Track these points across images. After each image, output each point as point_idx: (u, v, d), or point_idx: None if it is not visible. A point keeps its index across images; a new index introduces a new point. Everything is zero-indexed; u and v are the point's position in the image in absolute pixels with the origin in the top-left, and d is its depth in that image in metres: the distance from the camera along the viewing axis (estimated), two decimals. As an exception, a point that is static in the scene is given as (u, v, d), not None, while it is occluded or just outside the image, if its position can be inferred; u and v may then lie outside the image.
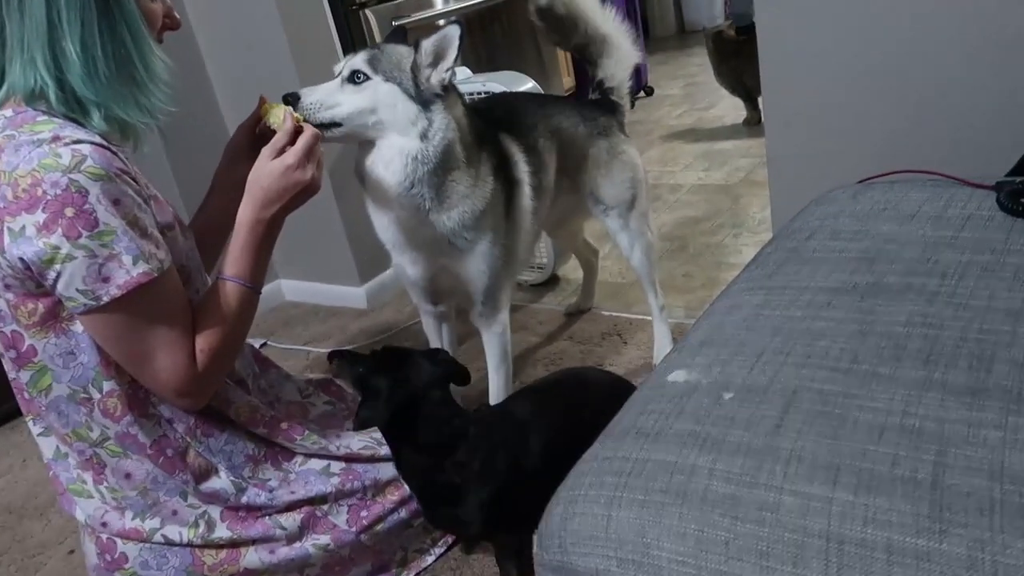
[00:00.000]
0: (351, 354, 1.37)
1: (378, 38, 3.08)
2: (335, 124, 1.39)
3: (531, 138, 1.73)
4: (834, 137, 1.73)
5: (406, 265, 1.58)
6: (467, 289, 1.58)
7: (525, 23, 3.85)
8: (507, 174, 1.59)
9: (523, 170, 1.65)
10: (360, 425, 1.28)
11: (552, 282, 2.64)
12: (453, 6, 3.41)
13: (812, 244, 1.25)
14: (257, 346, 2.57)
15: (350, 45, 2.84)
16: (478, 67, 3.28)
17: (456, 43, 1.37)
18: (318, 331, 2.64)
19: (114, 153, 1.12)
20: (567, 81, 4.33)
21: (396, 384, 1.28)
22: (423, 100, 1.40)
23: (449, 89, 1.43)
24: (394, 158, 1.41)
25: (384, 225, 1.52)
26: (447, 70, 1.40)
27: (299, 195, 1.23)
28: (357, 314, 2.73)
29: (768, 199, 1.92)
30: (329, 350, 1.46)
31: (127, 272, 1.09)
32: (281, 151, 1.23)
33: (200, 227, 1.40)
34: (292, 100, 1.37)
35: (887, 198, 1.29)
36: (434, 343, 1.79)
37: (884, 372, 0.92)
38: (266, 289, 2.89)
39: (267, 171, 1.21)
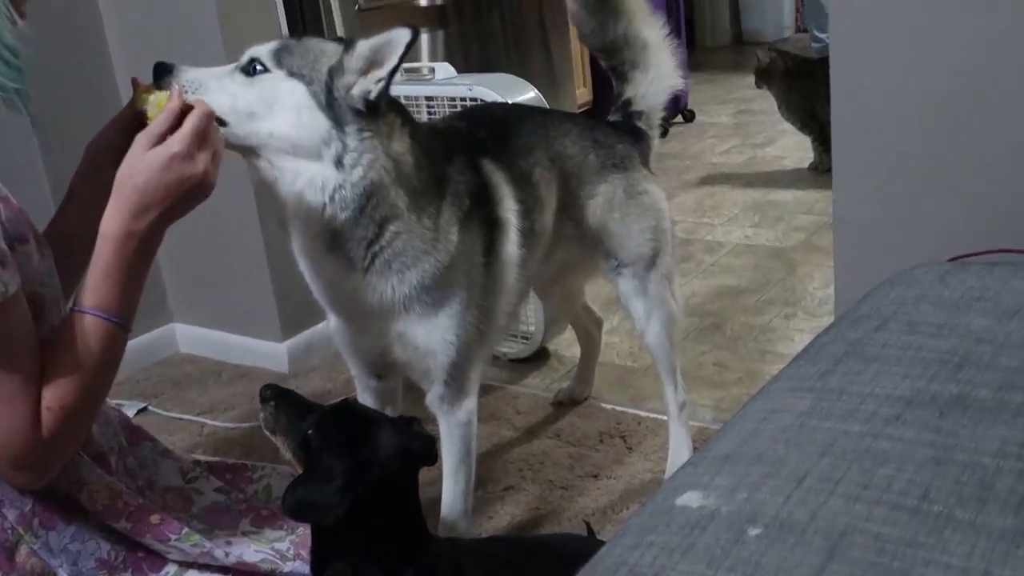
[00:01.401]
0: (296, 397, 1.35)
1: (339, 26, 3.14)
2: (220, 122, 1.35)
3: (524, 166, 1.75)
4: (921, 198, 1.75)
5: (344, 329, 1.59)
6: (425, 364, 1.58)
7: (533, 14, 3.94)
8: (488, 212, 1.61)
9: (510, 208, 1.65)
10: (293, 509, 1.25)
11: (539, 358, 2.65)
12: (440, -14, 3.50)
13: (882, 337, 1.25)
14: (133, 412, 2.59)
15: (300, 31, 2.90)
16: (467, 66, 3.34)
17: (400, 51, 1.37)
18: (219, 397, 2.64)
19: None
20: (582, 94, 4.41)
21: (361, 462, 1.25)
22: (336, 114, 1.38)
23: (382, 110, 1.41)
24: (304, 195, 1.40)
25: (313, 283, 1.54)
26: (379, 81, 1.38)
27: (187, 195, 1.21)
28: (274, 379, 2.66)
29: (832, 272, 1.94)
30: (259, 393, 1.43)
31: None
32: (162, 138, 1.21)
33: (53, 243, 1.40)
34: (161, 72, 1.36)
35: (983, 284, 1.30)
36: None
37: (963, 517, 0.91)
38: (155, 336, 2.93)
39: (143, 164, 1.19)
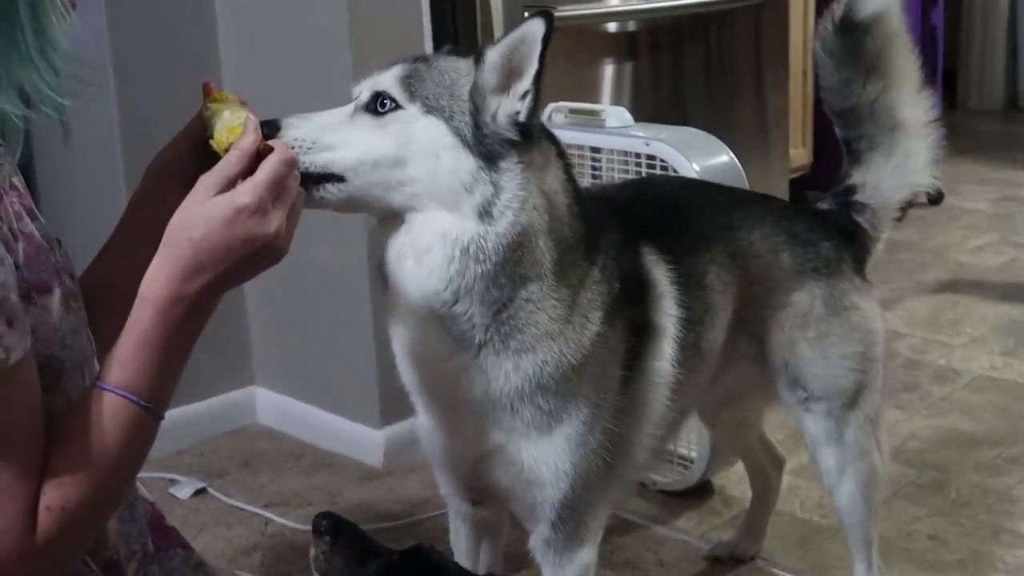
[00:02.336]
0: (358, 535, 1.33)
1: (500, 29, 3.14)
2: (334, 177, 1.39)
3: (696, 263, 1.71)
4: None
5: (435, 432, 1.58)
6: (530, 495, 1.55)
7: (747, 50, 3.87)
8: (639, 314, 1.58)
9: (669, 313, 1.64)
10: None
11: (699, 494, 2.58)
12: (637, 4, 3.46)
13: None
14: (189, 492, 2.63)
15: (450, 38, 2.91)
16: (654, 110, 3.30)
17: (538, 48, 1.37)
18: (294, 488, 2.66)
19: None
20: (798, 155, 4.31)
21: None
22: (487, 151, 1.40)
23: (535, 133, 1.44)
24: (432, 247, 1.41)
25: (407, 360, 1.52)
26: (524, 96, 1.40)
27: (251, 259, 1.22)
28: (364, 474, 2.73)
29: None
30: (312, 522, 1.42)
31: None
32: (231, 184, 1.22)
33: (93, 284, 1.39)
34: (268, 129, 1.38)
35: None
36: (463, 561, 1.75)
37: None
38: (231, 400, 2.98)
39: (203, 215, 1.20)
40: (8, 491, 1.13)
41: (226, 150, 1.25)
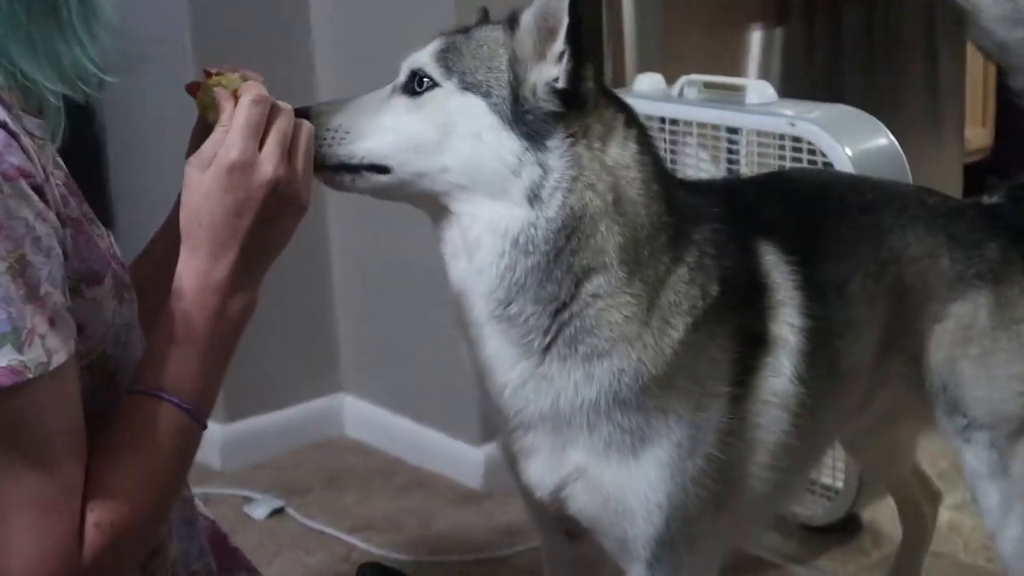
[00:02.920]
0: None
1: (629, 21, 3.12)
2: (377, 168, 1.43)
3: (836, 268, 1.69)
4: None
5: (512, 452, 1.58)
6: (619, 529, 1.54)
7: (916, 13, 3.78)
8: (749, 321, 1.56)
9: (790, 322, 1.60)
10: None
11: (846, 529, 2.56)
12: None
13: None
14: (265, 512, 2.66)
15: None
16: (806, 84, 3.25)
17: (566, 2, 1.37)
18: (384, 511, 2.68)
19: (11, 135, 1.16)
20: (976, 136, 4.21)
21: None
22: (530, 129, 1.41)
23: (588, 100, 1.44)
24: (482, 241, 1.43)
25: (473, 370, 1.54)
26: (560, 57, 1.40)
27: (266, 215, 1.25)
28: (461, 497, 2.74)
29: None
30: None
31: None
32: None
33: (136, 283, 1.42)
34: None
35: None
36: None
37: None
38: (317, 409, 3.02)
39: (200, 194, 1.24)
40: (53, 508, 1.16)
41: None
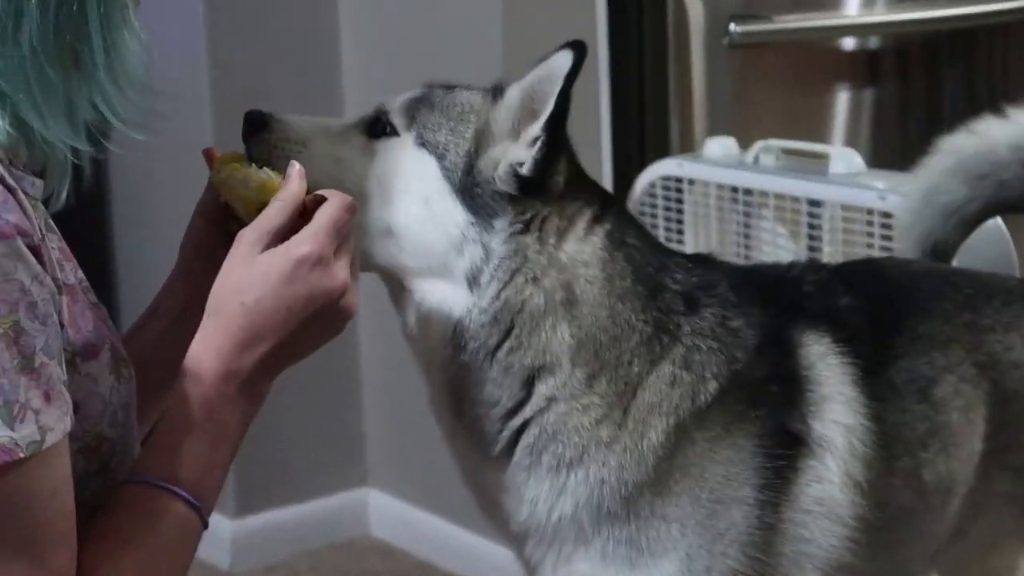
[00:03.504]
0: None
1: (698, 70, 3.14)
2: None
3: (916, 364, 1.66)
4: None
5: (519, 562, 1.58)
6: None
7: (1023, 74, 3.76)
8: (781, 417, 1.54)
9: (839, 420, 1.56)
10: None
11: None
12: (883, 15, 3.41)
13: None
14: None
15: (634, 50, 2.95)
16: (892, 156, 3.19)
17: (558, 87, 1.39)
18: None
19: (8, 189, 1.16)
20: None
21: None
22: (477, 203, 1.42)
23: (551, 189, 1.44)
24: (430, 321, 1.45)
25: (455, 461, 1.57)
26: (533, 142, 1.41)
27: (317, 320, 1.26)
28: None
29: None
30: None
31: None
32: (278, 237, 1.26)
33: (147, 346, 1.45)
34: (253, 126, 1.44)
35: None
36: None
37: None
38: (338, 504, 3.02)
39: (255, 273, 1.25)
40: None
41: (259, 208, 1.30)
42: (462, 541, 2.87)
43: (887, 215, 2.26)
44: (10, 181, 1.16)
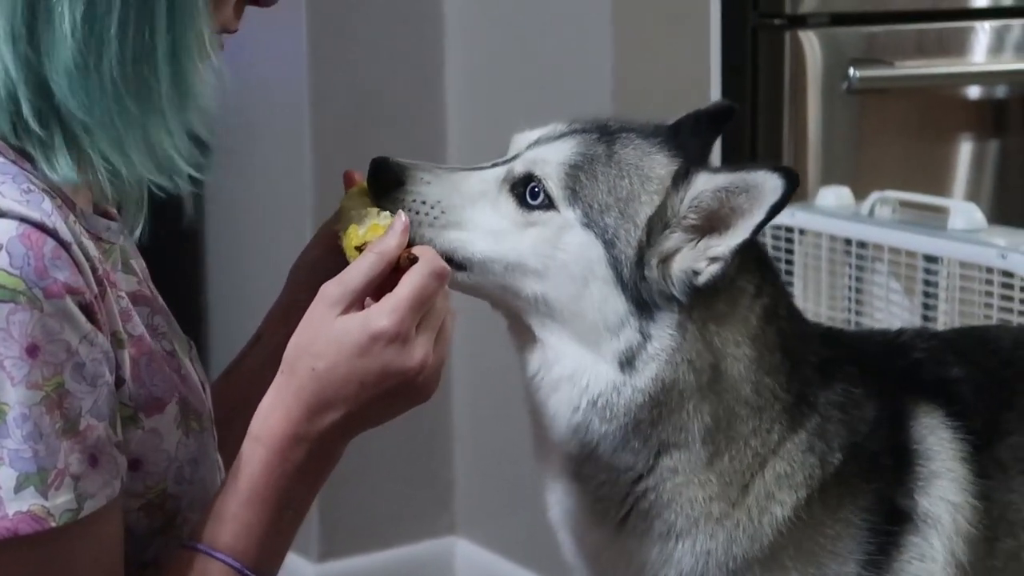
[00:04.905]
0: None
1: (814, 112, 3.12)
2: (455, 262, 1.39)
3: (1019, 442, 1.61)
4: None
5: None
6: None
7: None
8: (888, 492, 1.53)
9: (946, 498, 1.54)
10: None
11: None
12: (1012, 63, 3.36)
13: None
14: None
15: (747, 90, 2.94)
16: (1019, 213, 3.17)
17: (763, 212, 1.36)
18: None
19: (62, 245, 1.15)
20: None
21: None
22: (643, 296, 1.40)
23: (722, 285, 1.41)
24: (560, 385, 1.43)
25: (554, 514, 1.55)
26: (713, 261, 1.38)
27: (390, 397, 1.26)
28: None
29: None
30: None
31: None
32: (360, 297, 1.26)
33: (217, 409, 1.44)
34: (383, 178, 1.40)
35: None
36: None
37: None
38: (423, 552, 3.02)
39: (330, 339, 1.24)
40: None
41: (360, 250, 1.29)
42: (551, 594, 2.85)
43: (1008, 274, 2.23)
44: (64, 236, 1.16)
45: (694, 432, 1.42)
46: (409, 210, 1.38)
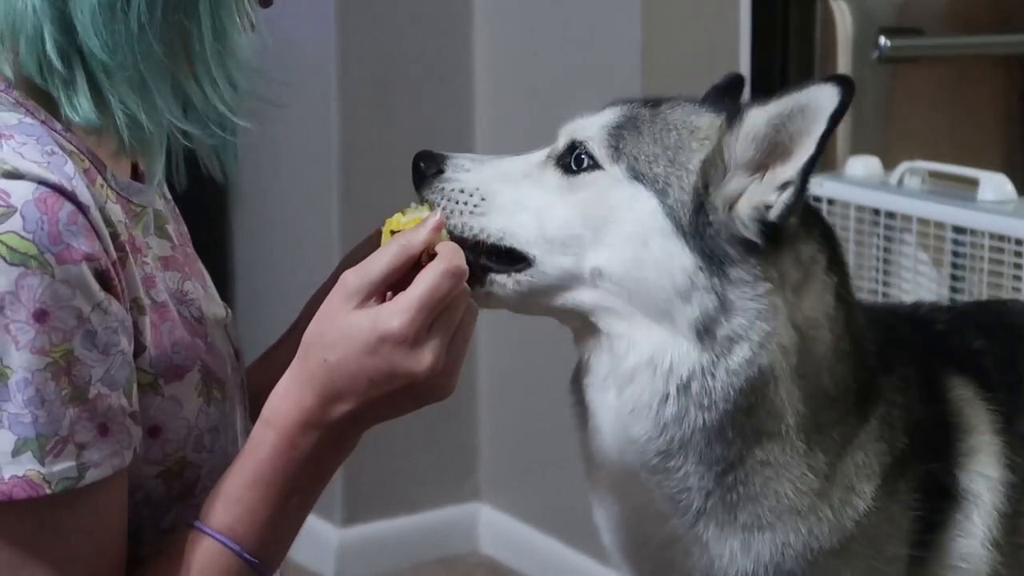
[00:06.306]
0: None
1: (845, 63, 3.11)
2: (514, 257, 1.37)
3: None
4: None
5: None
6: None
7: None
8: (934, 470, 1.51)
9: (984, 472, 1.53)
10: None
11: None
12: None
13: None
14: None
15: (776, 62, 2.94)
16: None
17: (822, 127, 1.29)
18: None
19: (80, 208, 1.16)
20: None
21: None
22: (709, 248, 1.34)
23: (790, 234, 1.36)
24: (637, 375, 1.36)
25: (608, 519, 1.50)
26: (783, 187, 1.32)
27: (401, 396, 1.23)
28: None
29: None
30: None
31: None
32: (377, 289, 1.24)
33: (252, 391, 1.45)
34: (424, 169, 1.38)
35: None
36: None
37: None
38: (447, 518, 3.04)
39: (343, 332, 1.22)
40: None
41: (393, 234, 1.28)
42: (573, 562, 2.85)
43: (1032, 244, 2.23)
44: (84, 199, 1.17)
45: (788, 421, 1.38)
46: (447, 198, 1.36)
